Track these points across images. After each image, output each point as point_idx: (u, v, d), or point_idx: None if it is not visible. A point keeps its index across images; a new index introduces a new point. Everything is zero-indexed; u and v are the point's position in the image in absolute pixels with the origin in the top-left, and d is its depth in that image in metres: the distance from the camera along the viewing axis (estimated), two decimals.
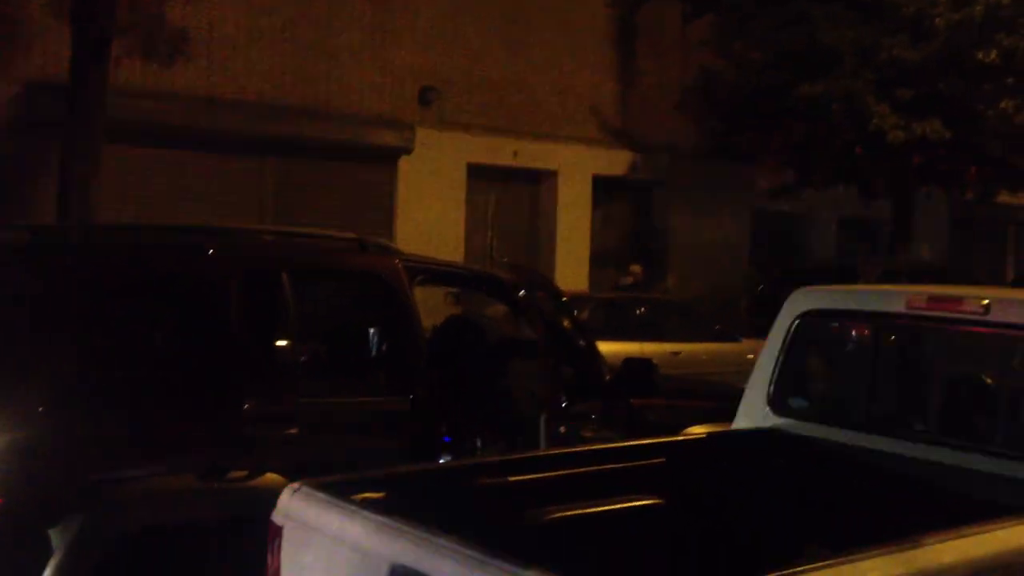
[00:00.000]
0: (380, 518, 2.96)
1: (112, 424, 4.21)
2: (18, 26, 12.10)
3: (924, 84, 14.05)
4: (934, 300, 3.95)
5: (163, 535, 4.14)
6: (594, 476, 3.93)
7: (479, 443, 4.85)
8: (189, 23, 12.74)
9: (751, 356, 12.11)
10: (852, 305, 4.41)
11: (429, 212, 15.01)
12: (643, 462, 4.08)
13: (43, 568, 3.93)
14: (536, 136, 16.14)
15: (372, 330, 5.15)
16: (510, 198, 16.49)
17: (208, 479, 4.30)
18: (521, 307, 5.26)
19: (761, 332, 11.23)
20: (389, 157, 14.90)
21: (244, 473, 4.37)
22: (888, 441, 4.03)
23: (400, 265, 5.06)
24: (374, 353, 5.13)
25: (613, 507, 3.84)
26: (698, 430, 5.81)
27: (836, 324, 4.53)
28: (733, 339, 12.27)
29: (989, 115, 13.85)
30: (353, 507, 3.09)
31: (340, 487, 3.27)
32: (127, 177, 12.30)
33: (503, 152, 15.86)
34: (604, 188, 17.17)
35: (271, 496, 4.31)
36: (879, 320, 4.22)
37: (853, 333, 4.53)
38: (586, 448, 4.28)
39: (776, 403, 4.43)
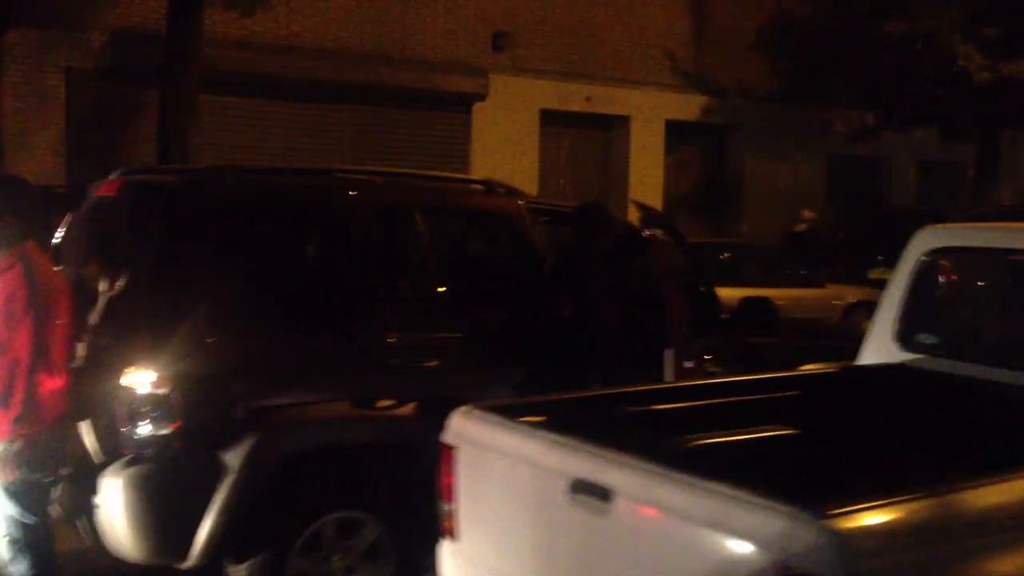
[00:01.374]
0: (556, 436, 3.08)
1: (275, 352, 4.46)
2: None
3: (1011, 21, 13.67)
4: None
5: (322, 457, 4.46)
6: (732, 407, 4.00)
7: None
8: None
9: (836, 302, 12.12)
10: (980, 242, 4.38)
11: (503, 158, 15.00)
12: (778, 394, 4.14)
13: (217, 486, 4.23)
14: (608, 81, 16.02)
15: (503, 264, 5.25)
16: (583, 143, 16.43)
17: (362, 406, 4.56)
18: (644, 247, 5.32)
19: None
20: (463, 103, 14.93)
21: (392, 401, 4.66)
22: (1017, 374, 4.03)
23: (524, 206, 5.21)
24: (503, 289, 5.24)
25: (751, 436, 3.91)
26: (815, 367, 5.89)
27: (963, 261, 4.48)
28: (817, 284, 12.19)
29: None
30: (527, 426, 3.25)
31: (504, 410, 3.43)
32: (211, 124, 12.46)
33: (576, 97, 15.77)
34: (677, 133, 17.01)
35: (417, 422, 4.59)
36: (1007, 256, 4.20)
37: (980, 269, 4.49)
38: (725, 380, 4.35)
39: (904, 339, 4.43)
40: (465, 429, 3.37)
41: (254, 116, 13.30)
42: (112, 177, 5.10)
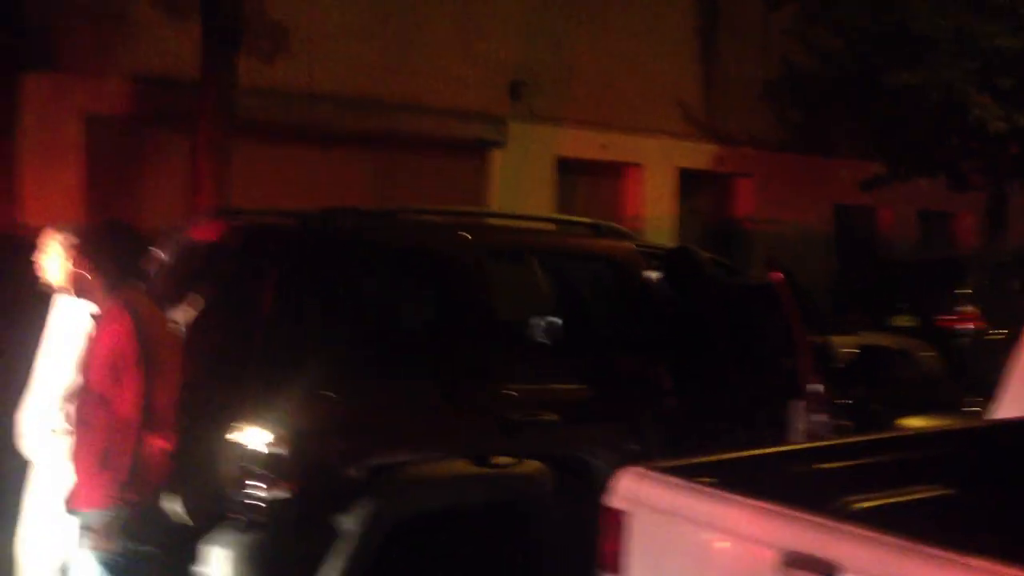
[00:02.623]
0: (763, 503, 2.89)
1: (394, 408, 4.33)
2: (125, 21, 12.16)
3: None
4: None
5: (442, 518, 4.33)
6: (888, 464, 3.90)
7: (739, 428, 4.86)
8: (289, 19, 12.88)
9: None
10: None
11: (520, 204, 14.93)
12: (931, 452, 4.05)
13: (332, 553, 4.02)
14: (622, 129, 16.08)
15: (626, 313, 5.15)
16: (597, 190, 16.45)
17: (480, 464, 4.41)
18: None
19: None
20: (482, 150, 14.93)
21: (511, 460, 4.49)
22: None
23: (634, 248, 5.05)
24: (623, 337, 5.13)
25: (912, 496, 3.80)
26: (916, 421, 5.82)
27: None
28: (848, 332, 12.15)
29: None
30: (724, 492, 3.03)
31: (678, 471, 3.23)
32: (236, 170, 12.35)
33: (591, 145, 15.80)
34: (689, 180, 17.09)
35: (535, 481, 4.41)
36: None
37: None
38: (880, 436, 4.26)
39: None
40: (640, 493, 3.19)
41: (275, 162, 13.20)
42: (206, 220, 4.91)
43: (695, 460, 3.44)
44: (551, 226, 5.65)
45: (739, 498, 2.95)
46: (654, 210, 16.45)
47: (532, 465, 4.53)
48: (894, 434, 4.32)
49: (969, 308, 12.78)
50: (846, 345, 11.47)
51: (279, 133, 13.06)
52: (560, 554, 4.48)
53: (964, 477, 3.94)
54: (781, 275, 5.01)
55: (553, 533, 4.46)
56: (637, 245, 5.32)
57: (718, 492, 3.04)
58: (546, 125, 15.31)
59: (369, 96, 13.79)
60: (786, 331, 5.01)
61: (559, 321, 4.79)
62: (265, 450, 3.93)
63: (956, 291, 12.88)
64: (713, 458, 3.56)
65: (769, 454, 3.83)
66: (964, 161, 15.40)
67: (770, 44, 17.27)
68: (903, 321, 12.73)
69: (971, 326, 12.72)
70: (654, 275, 5.30)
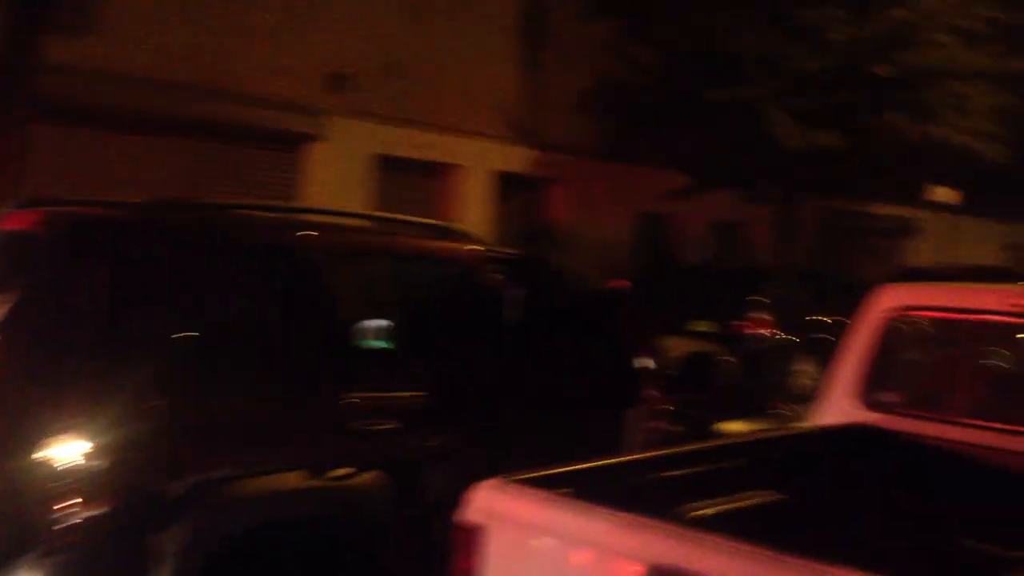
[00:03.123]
0: (628, 515, 2.82)
1: (225, 417, 4.00)
2: None
3: (822, 95, 14.76)
4: None
5: (273, 533, 4.03)
6: (723, 471, 4.03)
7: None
8: None
9: (674, 354, 12.56)
10: (946, 302, 4.62)
11: (336, 200, 14.70)
12: (766, 457, 4.22)
13: (151, 573, 3.71)
14: (443, 130, 16.12)
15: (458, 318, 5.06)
16: (415, 191, 16.40)
17: (316, 475, 4.13)
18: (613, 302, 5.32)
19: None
20: (296, 143, 14.61)
21: (350, 470, 4.24)
22: (980, 433, 4.30)
23: (482, 252, 5.08)
24: (464, 342, 5.06)
25: (751, 502, 3.95)
26: (734, 426, 6.09)
27: (926, 319, 4.71)
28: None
29: (880, 127, 14.68)
30: (590, 503, 2.92)
31: (536, 483, 3.15)
32: (35, 154, 11.60)
33: (411, 144, 15.77)
34: (506, 183, 17.30)
35: (374, 492, 4.29)
36: (973, 317, 4.47)
37: (945, 329, 4.74)
38: (717, 444, 4.38)
39: (865, 397, 4.63)
40: (497, 506, 3.02)
41: (75, 147, 12.47)
42: (17, 208, 4.35)
43: (550, 471, 3.36)
44: (397, 226, 5.41)
45: (603, 510, 2.86)
46: (472, 212, 16.57)
47: (370, 475, 4.29)
48: (730, 441, 4.46)
49: (763, 315, 13.44)
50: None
51: (88, 116, 12.36)
52: (403, 569, 4.36)
53: (794, 482, 4.13)
54: (625, 282, 5.10)
55: (394, 546, 4.33)
56: (485, 249, 5.20)
57: (580, 503, 2.95)
58: (366, 121, 15.15)
59: (183, 81, 13.22)
60: (627, 338, 5.07)
61: (389, 324, 4.59)
62: (79, 464, 3.58)
63: (751, 298, 13.50)
64: (568, 468, 3.51)
65: (620, 463, 3.82)
66: (761, 176, 16.23)
67: (590, 55, 17.70)
68: (702, 327, 13.23)
69: (765, 332, 13.37)
70: (500, 280, 5.26)
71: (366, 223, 5.37)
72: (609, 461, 3.83)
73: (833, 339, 14.12)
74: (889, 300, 4.67)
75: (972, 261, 21.62)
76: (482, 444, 4.66)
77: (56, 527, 3.54)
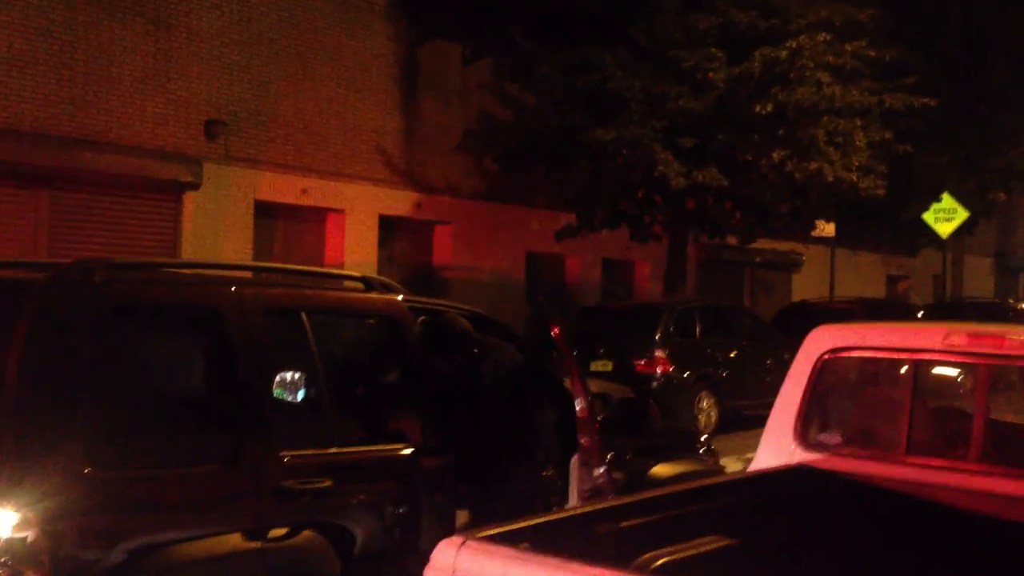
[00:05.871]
0: (593, 567, 2.79)
1: (161, 481, 3.91)
2: None
3: (703, 133, 15.00)
4: (974, 337, 4.24)
5: None
6: (676, 518, 3.93)
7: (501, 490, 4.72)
8: None
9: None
10: (879, 342, 4.62)
11: (215, 249, 14.27)
12: (714, 503, 4.12)
13: None
14: (323, 174, 15.84)
15: (388, 370, 4.89)
16: (298, 236, 16.03)
17: (254, 537, 4.05)
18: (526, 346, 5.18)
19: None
20: (174, 191, 14.14)
21: (285, 530, 4.16)
22: (923, 471, 4.27)
23: (405, 304, 4.97)
24: (391, 396, 4.91)
25: (704, 548, 3.84)
26: (666, 469, 5.96)
27: (863, 360, 4.70)
28: None
29: (761, 164, 14.98)
30: (555, 557, 2.89)
31: (499, 539, 3.07)
32: None
33: (291, 189, 15.43)
34: (389, 227, 17.08)
35: (312, 553, 4.19)
36: (911, 356, 4.45)
37: (881, 369, 4.73)
38: (664, 492, 4.28)
39: (803, 438, 4.58)
40: (462, 564, 2.97)
41: None
42: None
43: (509, 526, 3.28)
44: (321, 280, 5.28)
45: (571, 564, 2.82)
46: (355, 256, 16.25)
47: (308, 535, 4.21)
48: (680, 488, 4.34)
49: (659, 352, 13.52)
50: None
51: None
52: None
53: (744, 526, 4.04)
54: (558, 329, 4.94)
55: None
56: (406, 299, 5.05)
57: (544, 558, 2.90)
58: (244, 167, 14.77)
59: (48, 131, 12.69)
60: (561, 385, 4.95)
61: (303, 376, 4.42)
62: (9, 535, 3.46)
63: (647, 337, 13.58)
64: (525, 522, 3.42)
65: (576, 515, 3.75)
66: (647, 214, 16.37)
67: (468, 96, 17.66)
68: (602, 366, 13.21)
69: (660, 370, 13.45)
70: (424, 331, 5.12)
71: (286, 277, 5.30)
72: (565, 513, 3.83)
73: (731, 373, 14.31)
74: (822, 342, 4.65)
75: (855, 293, 22.32)
76: (417, 498, 4.62)
77: None
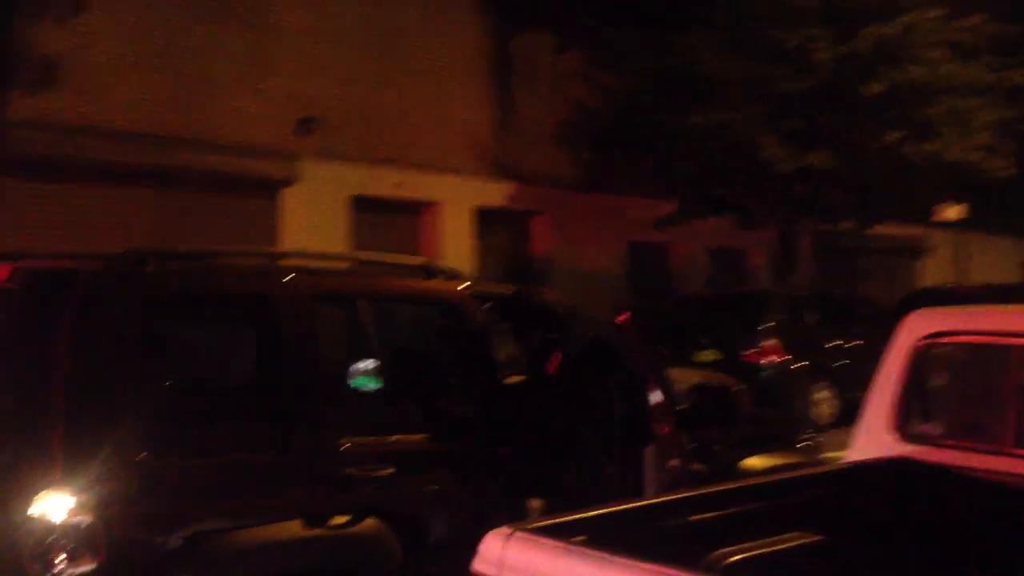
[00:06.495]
0: (649, 564, 2.61)
1: (216, 468, 3.95)
2: None
3: (810, 116, 14.42)
4: None
5: None
6: (757, 513, 3.65)
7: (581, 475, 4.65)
8: (65, 49, 11.95)
9: (680, 386, 12.18)
10: (981, 326, 4.23)
11: (313, 243, 14.29)
12: (800, 496, 3.82)
13: None
14: (417, 167, 15.77)
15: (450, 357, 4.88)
16: (393, 229, 16.00)
17: (313, 525, 4.03)
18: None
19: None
20: (270, 188, 14.26)
21: (345, 518, 4.14)
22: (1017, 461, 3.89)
23: (467, 290, 4.90)
24: (453, 384, 4.88)
25: (785, 545, 3.54)
26: (757, 461, 5.63)
27: (962, 345, 4.31)
28: None
29: (874, 147, 14.31)
30: (605, 552, 2.71)
31: (548, 531, 2.92)
32: (8, 210, 11.27)
33: (385, 183, 15.40)
34: (485, 218, 16.93)
35: (374, 541, 4.13)
36: (1019, 341, 4.06)
37: (986, 355, 4.33)
38: (746, 484, 4.04)
39: (901, 429, 4.22)
40: (510, 556, 2.86)
41: (48, 200, 12.16)
42: None
43: (564, 518, 3.13)
44: (380, 267, 5.26)
45: (619, 559, 2.67)
46: (451, 248, 16.17)
47: (368, 523, 4.16)
48: (760, 480, 4.06)
49: (771, 342, 13.05)
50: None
51: (52, 169, 12.03)
52: None
53: (832, 522, 3.71)
54: (627, 316, 4.71)
55: None
56: (470, 286, 4.96)
57: (594, 553, 2.74)
58: (338, 162, 14.79)
59: (150, 131, 12.90)
60: (632, 374, 4.72)
61: (378, 365, 4.44)
62: (67, 519, 3.54)
63: (758, 325, 13.11)
64: (582, 515, 3.24)
65: (638, 508, 3.54)
66: (751, 200, 15.86)
67: (560, 85, 17.41)
68: (708, 356, 12.85)
69: (774, 359, 12.98)
70: (489, 317, 4.97)
71: (349, 265, 5.33)
72: (627, 505, 3.56)
73: (850, 363, 13.72)
74: (920, 327, 4.28)
75: (986, 279, 21.24)
76: (481, 487, 4.58)
77: None
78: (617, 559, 2.67)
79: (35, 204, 11.99)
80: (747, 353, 12.76)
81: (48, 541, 3.53)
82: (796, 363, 13.09)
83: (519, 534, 2.88)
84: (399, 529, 4.24)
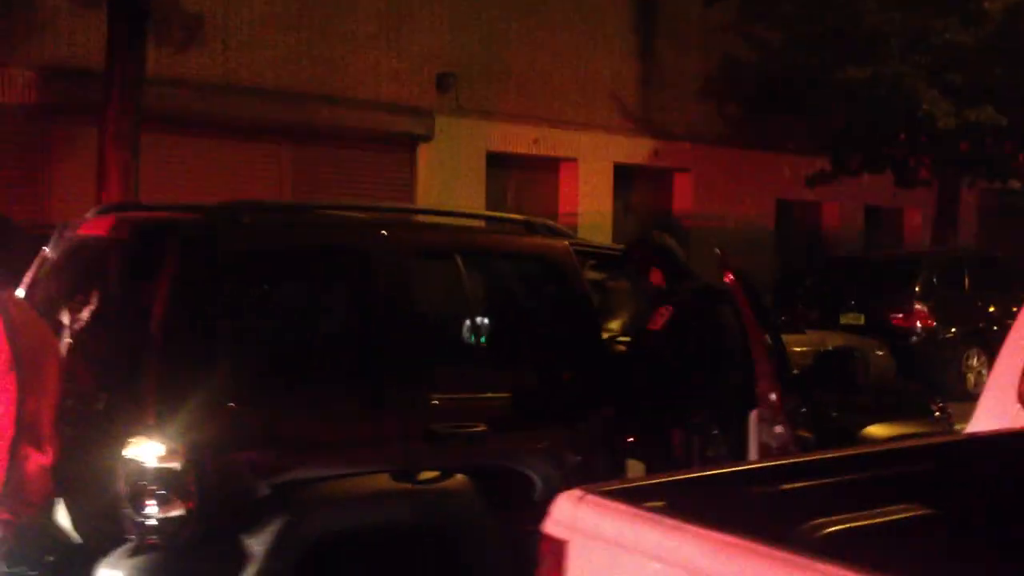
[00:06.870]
0: (724, 534, 2.40)
1: (306, 419, 3.98)
2: (29, 9, 11.36)
3: (976, 70, 13.50)
4: None
5: (360, 539, 3.98)
6: (861, 483, 3.32)
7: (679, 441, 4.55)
8: (204, 6, 12.20)
9: (821, 348, 11.65)
10: None
11: (449, 200, 14.28)
12: (908, 469, 3.47)
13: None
14: (556, 123, 15.49)
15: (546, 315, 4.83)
16: (530, 185, 15.83)
17: (403, 479, 4.05)
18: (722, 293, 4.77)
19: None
20: (408, 144, 14.28)
21: (436, 474, 4.14)
22: None
23: (569, 247, 4.79)
24: (551, 341, 4.76)
25: (889, 518, 3.21)
26: (879, 429, 5.25)
27: None
28: (798, 330, 11.63)
29: None
30: (679, 519, 2.53)
31: (622, 495, 2.75)
32: (145, 163, 11.62)
33: (522, 139, 15.20)
34: (625, 175, 16.55)
35: (464, 499, 4.16)
36: None
37: None
38: (850, 452, 3.69)
39: None
40: (578, 519, 2.70)
41: (189, 154, 12.48)
42: (96, 214, 4.50)
43: (643, 481, 3.05)
44: (479, 223, 5.34)
45: (690, 527, 2.48)
46: (589, 206, 15.89)
47: (459, 479, 4.15)
48: (862, 449, 3.75)
49: (919, 306, 12.40)
50: (796, 345, 11.01)
51: (194, 125, 12.35)
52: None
53: (942, 497, 3.34)
54: (733, 276, 4.48)
55: (484, 555, 4.17)
56: (573, 244, 4.86)
57: (666, 519, 2.57)
58: (475, 118, 14.66)
59: (289, 88, 13.07)
60: (741, 336, 4.49)
61: (486, 323, 4.54)
62: (159, 465, 3.60)
63: (910, 289, 12.47)
64: (664, 479, 3.11)
65: (725, 474, 3.32)
66: (912, 157, 15.02)
67: (708, 39, 16.78)
68: (852, 319, 12.29)
69: (920, 324, 12.34)
70: (593, 275, 4.85)
71: (447, 220, 5.29)
72: (715, 471, 3.42)
73: (1003, 331, 12.85)
74: None
75: None
76: (578, 447, 4.51)
77: (143, 525, 3.61)
78: (691, 527, 2.49)
79: (176, 159, 12.29)
80: (896, 318, 12.14)
81: (140, 485, 3.58)
82: (948, 329, 12.38)
83: (591, 497, 2.72)
84: (489, 487, 4.21)
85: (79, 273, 4.37)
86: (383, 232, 4.39)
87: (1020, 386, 3.85)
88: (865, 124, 14.40)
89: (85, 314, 4.05)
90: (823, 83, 14.31)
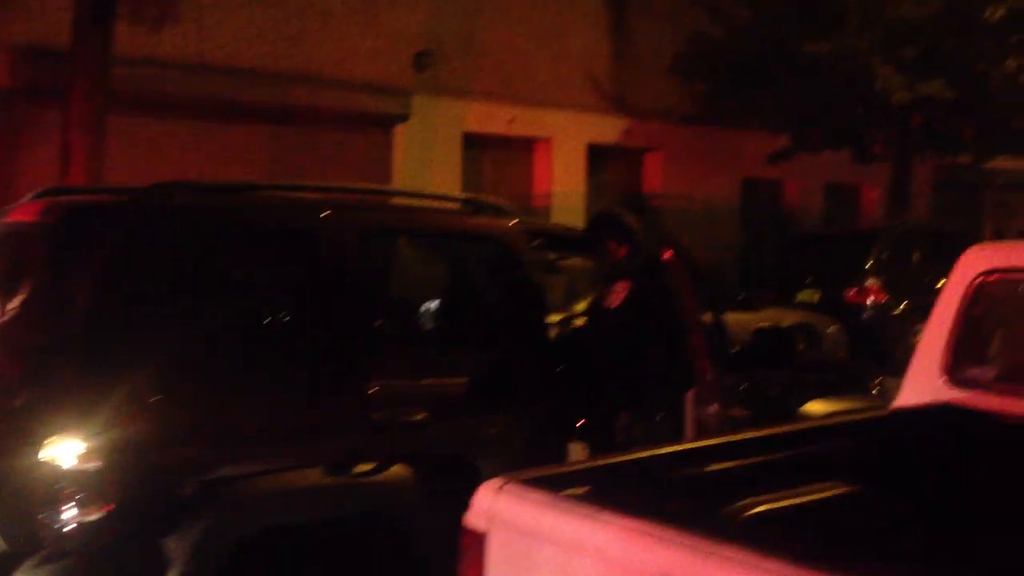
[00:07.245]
0: (641, 521, 2.40)
1: (237, 412, 3.79)
2: None
3: (928, 43, 13.85)
4: None
5: (290, 535, 3.80)
6: (786, 462, 3.59)
7: (619, 422, 4.53)
8: None
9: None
10: None
11: (424, 179, 14.54)
12: (831, 446, 3.76)
13: None
14: (531, 102, 15.75)
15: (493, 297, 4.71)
16: (505, 166, 16.09)
17: (338, 472, 3.89)
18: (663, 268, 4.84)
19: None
20: (385, 124, 14.43)
21: (374, 465, 3.98)
22: None
23: (515, 226, 4.68)
24: (496, 323, 4.69)
25: (812, 497, 3.49)
26: (818, 406, 5.55)
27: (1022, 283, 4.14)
28: (754, 308, 11.98)
29: (993, 75, 13.69)
30: (593, 508, 2.51)
31: (543, 483, 2.73)
32: (114, 145, 11.70)
33: (499, 119, 15.43)
34: (598, 155, 16.85)
35: (403, 490, 4.02)
36: None
37: None
38: (776, 431, 3.81)
39: (952, 373, 4.12)
40: (499, 509, 2.67)
41: (161, 136, 12.53)
42: (28, 199, 4.22)
43: (566, 468, 3.01)
44: (425, 202, 5.04)
45: (605, 515, 2.46)
46: (563, 185, 16.18)
47: (398, 469, 4.01)
48: (788, 427, 3.96)
49: (871, 281, 12.69)
50: (752, 323, 11.37)
51: (165, 106, 12.36)
52: (434, 571, 4.03)
53: (863, 474, 3.63)
54: (671, 252, 4.61)
55: (425, 547, 4.00)
56: (520, 222, 4.76)
57: (582, 508, 2.55)
58: (452, 98, 14.88)
59: (262, 67, 13.16)
60: (676, 313, 4.59)
61: (431, 306, 4.39)
62: (76, 465, 3.38)
63: (864, 264, 12.77)
64: (588, 464, 3.13)
65: (653, 456, 3.31)
66: (868, 132, 15.37)
67: (679, 16, 17.04)
68: (808, 296, 12.61)
69: (872, 300, 12.64)
70: (547, 255, 4.94)
71: (390, 200, 5.21)
72: (642, 454, 3.40)
73: None
74: (977, 263, 4.10)
75: None
76: (519, 432, 4.38)
77: (60, 529, 3.39)
78: (607, 515, 2.46)
79: (147, 141, 12.26)
80: (848, 294, 12.47)
81: (56, 488, 3.38)
82: (898, 304, 12.71)
83: (510, 486, 2.69)
84: (432, 477, 4.09)
85: (8, 261, 4.07)
86: (324, 213, 4.16)
87: (942, 360, 4.14)
88: (824, 100, 14.68)
89: (11, 304, 3.76)
90: (787, 59, 14.56)
